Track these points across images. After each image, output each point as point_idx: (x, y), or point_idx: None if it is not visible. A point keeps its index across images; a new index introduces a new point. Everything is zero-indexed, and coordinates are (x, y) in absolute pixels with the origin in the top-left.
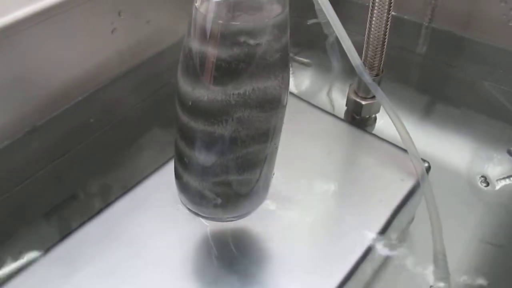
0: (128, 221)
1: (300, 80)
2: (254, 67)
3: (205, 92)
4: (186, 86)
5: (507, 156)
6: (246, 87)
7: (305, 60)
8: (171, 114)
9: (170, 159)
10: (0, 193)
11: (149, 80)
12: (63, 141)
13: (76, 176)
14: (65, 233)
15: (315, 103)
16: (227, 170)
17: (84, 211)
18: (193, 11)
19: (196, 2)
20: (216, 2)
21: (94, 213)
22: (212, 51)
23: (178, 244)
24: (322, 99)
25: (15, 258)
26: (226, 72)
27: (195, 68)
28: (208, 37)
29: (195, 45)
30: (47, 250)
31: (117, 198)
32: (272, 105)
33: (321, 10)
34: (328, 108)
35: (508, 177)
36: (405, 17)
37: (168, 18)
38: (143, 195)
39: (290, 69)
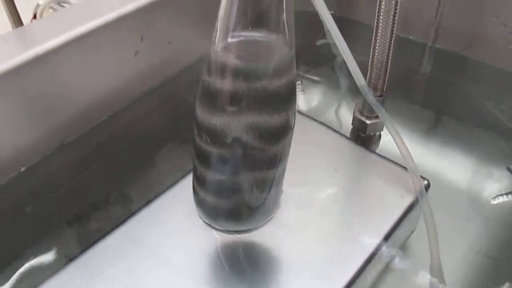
0: (148, 232)
1: (310, 97)
2: (264, 102)
3: (218, 121)
4: (202, 113)
5: (507, 173)
6: (256, 119)
7: (315, 78)
8: (189, 130)
9: (188, 172)
10: (28, 205)
11: (169, 99)
12: (89, 157)
13: (101, 190)
14: (87, 244)
15: (323, 120)
16: (238, 189)
17: (108, 223)
18: (209, 48)
19: (212, 42)
20: (230, 42)
21: (116, 224)
22: (226, 86)
23: (193, 254)
24: (330, 115)
25: (40, 268)
26: (238, 105)
27: (210, 98)
28: (221, 73)
29: (211, 79)
30: (70, 260)
31: (137, 210)
32: (280, 134)
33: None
34: (336, 125)
35: (507, 193)
36: (410, 37)
37: (186, 39)
38: (162, 207)
39: (301, 86)
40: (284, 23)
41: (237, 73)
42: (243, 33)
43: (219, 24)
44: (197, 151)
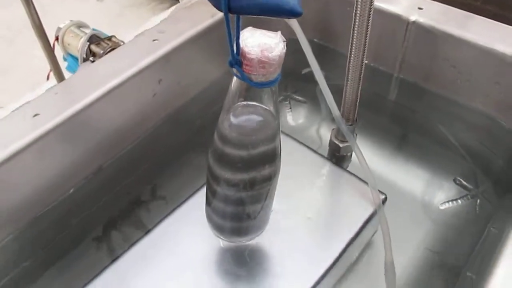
0: (173, 238)
1: (297, 116)
2: (256, 161)
3: (222, 172)
4: (212, 163)
5: (453, 184)
6: (250, 173)
7: (301, 99)
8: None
9: (203, 185)
10: (75, 217)
11: (180, 124)
12: (121, 176)
13: (133, 200)
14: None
15: (307, 135)
16: (236, 215)
17: (137, 227)
18: (217, 125)
19: (221, 115)
20: (230, 123)
21: (146, 231)
22: (229, 152)
23: (205, 255)
24: (313, 132)
25: (86, 264)
26: (237, 164)
27: (217, 156)
28: (225, 143)
29: (219, 144)
30: (110, 262)
31: (162, 219)
32: (268, 179)
33: None
34: (317, 140)
35: (453, 200)
36: (380, 68)
37: (194, 76)
38: (183, 217)
39: (289, 105)
40: (275, 101)
41: (236, 144)
42: (244, 110)
43: (226, 101)
44: (208, 186)
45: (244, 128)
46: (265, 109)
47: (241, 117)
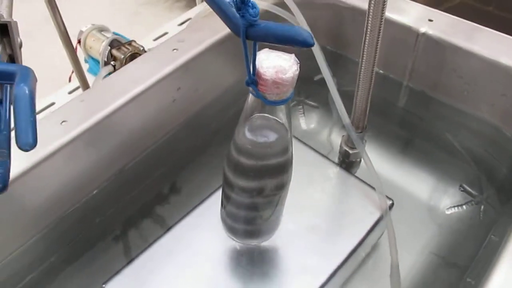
0: (192, 236)
1: (309, 120)
2: (269, 171)
3: (236, 180)
4: (227, 171)
5: (458, 190)
6: (262, 181)
7: (314, 104)
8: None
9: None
10: (98, 217)
11: (196, 127)
12: (140, 178)
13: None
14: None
15: (318, 140)
16: (249, 220)
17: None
18: (233, 136)
19: (237, 127)
20: (245, 136)
21: (165, 230)
22: (243, 161)
23: (221, 254)
24: (324, 136)
25: (110, 257)
26: (250, 173)
27: (233, 165)
28: (240, 153)
29: (234, 154)
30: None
31: (179, 219)
32: (279, 189)
33: None
34: (327, 145)
35: (458, 205)
36: (390, 75)
37: (211, 83)
38: (200, 217)
39: (302, 110)
40: (288, 116)
41: (250, 155)
42: (258, 124)
43: (242, 115)
44: (223, 191)
45: (259, 141)
46: (279, 123)
47: (255, 131)
